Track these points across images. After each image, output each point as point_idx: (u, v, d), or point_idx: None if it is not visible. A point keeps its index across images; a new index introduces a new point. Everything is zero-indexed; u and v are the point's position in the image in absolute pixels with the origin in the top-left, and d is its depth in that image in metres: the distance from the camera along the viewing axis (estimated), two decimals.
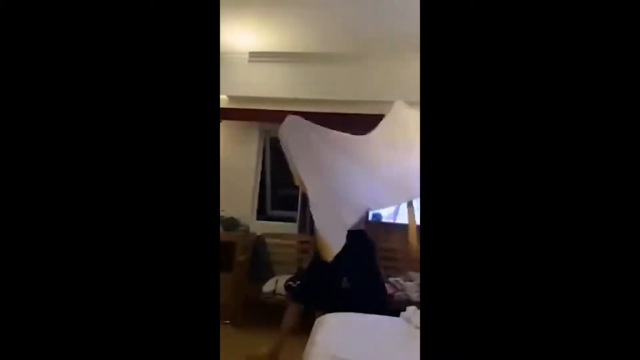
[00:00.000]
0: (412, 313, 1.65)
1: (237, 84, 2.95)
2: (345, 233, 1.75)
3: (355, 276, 2.02)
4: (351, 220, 1.80)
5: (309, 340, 1.50)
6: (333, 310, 1.81)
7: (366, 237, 2.17)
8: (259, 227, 3.30)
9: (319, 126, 1.90)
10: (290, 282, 2.76)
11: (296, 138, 1.86)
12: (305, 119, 1.91)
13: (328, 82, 3.18)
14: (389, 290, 2.68)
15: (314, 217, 1.81)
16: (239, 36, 2.95)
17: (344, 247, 1.77)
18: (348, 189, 1.81)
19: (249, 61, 3.25)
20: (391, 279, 2.83)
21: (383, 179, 1.82)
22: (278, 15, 2.61)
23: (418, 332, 1.37)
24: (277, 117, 2.39)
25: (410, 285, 2.78)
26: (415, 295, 2.66)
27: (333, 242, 1.75)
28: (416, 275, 2.83)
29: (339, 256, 1.79)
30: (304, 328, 2.49)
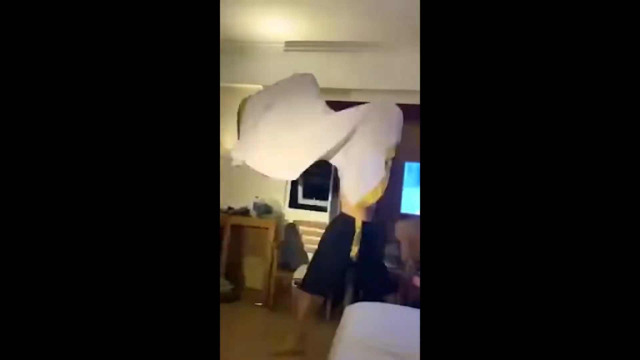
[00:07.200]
0: None
1: (272, 73, 2.98)
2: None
3: (359, 264, 2.05)
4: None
5: (338, 328, 1.52)
6: (339, 297, 1.82)
7: (370, 227, 2.14)
8: (291, 215, 3.37)
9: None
10: None
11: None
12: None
13: (364, 72, 3.16)
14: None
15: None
16: (275, 25, 2.97)
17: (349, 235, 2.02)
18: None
19: (285, 50, 3.28)
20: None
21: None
22: (315, 3, 2.61)
23: None
24: None
25: None
26: None
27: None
28: None
29: (343, 244, 2.02)
30: (325, 317, 2.54)
